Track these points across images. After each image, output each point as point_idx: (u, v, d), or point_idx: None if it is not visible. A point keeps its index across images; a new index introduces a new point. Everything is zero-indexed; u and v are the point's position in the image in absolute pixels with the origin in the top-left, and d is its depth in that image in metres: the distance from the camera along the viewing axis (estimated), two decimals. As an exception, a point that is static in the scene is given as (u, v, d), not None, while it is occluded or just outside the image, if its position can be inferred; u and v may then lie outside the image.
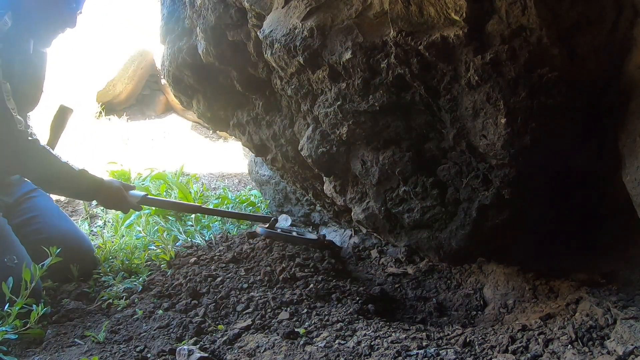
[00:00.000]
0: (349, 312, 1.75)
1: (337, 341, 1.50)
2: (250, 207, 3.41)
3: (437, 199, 1.77)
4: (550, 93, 1.31)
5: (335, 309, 1.79)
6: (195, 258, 2.29)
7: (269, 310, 1.76)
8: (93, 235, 2.95)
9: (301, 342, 1.50)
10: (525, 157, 1.44)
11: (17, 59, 2.00)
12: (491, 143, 1.44)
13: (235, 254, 2.28)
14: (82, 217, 3.30)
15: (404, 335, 1.50)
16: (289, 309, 1.76)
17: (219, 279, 2.01)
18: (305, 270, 2.10)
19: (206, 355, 1.41)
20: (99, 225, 3.16)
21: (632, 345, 1.26)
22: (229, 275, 2.05)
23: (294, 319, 1.70)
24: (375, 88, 1.60)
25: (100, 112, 6.37)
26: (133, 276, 2.16)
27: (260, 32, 1.74)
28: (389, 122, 1.68)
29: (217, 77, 2.22)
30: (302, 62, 1.65)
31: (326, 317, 1.70)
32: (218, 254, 2.33)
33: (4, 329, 1.57)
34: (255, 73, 2.06)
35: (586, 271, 1.78)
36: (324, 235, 2.76)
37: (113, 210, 3.03)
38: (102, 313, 1.86)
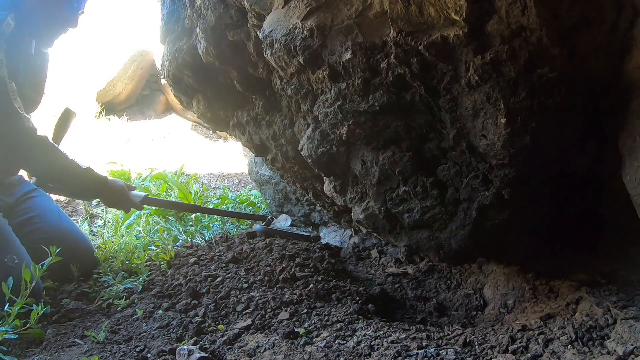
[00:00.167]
0: (349, 312, 1.75)
1: (337, 341, 1.49)
2: (250, 207, 3.41)
3: (437, 199, 1.77)
4: (550, 93, 1.31)
5: (335, 309, 1.79)
6: (195, 258, 2.29)
7: (269, 310, 1.76)
8: (93, 235, 2.95)
9: (301, 342, 1.50)
10: (525, 157, 1.44)
11: (20, 60, 2.01)
12: (491, 143, 1.44)
13: (235, 254, 2.28)
14: (82, 217, 3.30)
15: (404, 335, 1.50)
16: (289, 309, 1.76)
17: (219, 279, 2.01)
18: (305, 270, 2.10)
19: (206, 355, 1.41)
20: (99, 225, 3.16)
21: (632, 345, 1.26)
22: (229, 275, 2.05)
23: (294, 319, 1.70)
24: (375, 88, 1.60)
25: (100, 112, 6.37)
26: (133, 276, 2.16)
27: (260, 32, 1.74)
28: (389, 122, 1.69)
29: (217, 77, 2.22)
30: (302, 62, 1.65)
31: (326, 317, 1.70)
32: (218, 254, 2.33)
33: (4, 329, 1.57)
34: (255, 73, 2.06)
35: (586, 271, 1.78)
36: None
37: (113, 210, 3.04)
38: (102, 313, 1.86)
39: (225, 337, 1.56)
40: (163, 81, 6.69)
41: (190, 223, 2.94)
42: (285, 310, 1.75)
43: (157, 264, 2.30)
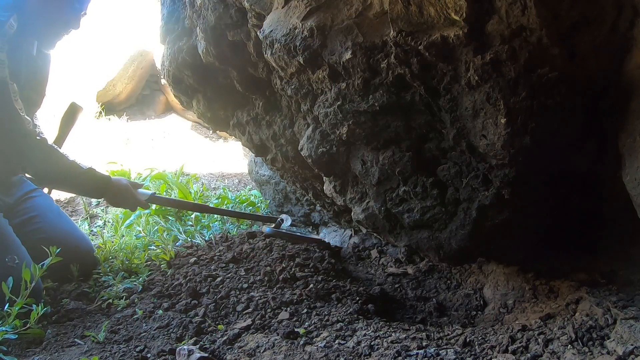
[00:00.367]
0: (349, 312, 1.75)
1: (337, 341, 1.50)
2: (250, 207, 3.41)
3: (437, 199, 1.77)
4: (550, 93, 1.31)
5: (335, 309, 1.79)
6: (195, 258, 2.29)
7: (269, 310, 1.76)
8: (93, 235, 2.95)
9: (301, 342, 1.50)
10: (525, 157, 1.44)
11: (22, 61, 2.01)
12: (491, 143, 1.44)
13: (235, 254, 2.28)
14: (82, 217, 3.30)
15: (404, 335, 1.50)
16: (289, 309, 1.76)
17: (219, 279, 2.01)
18: (305, 270, 2.10)
19: (206, 355, 1.41)
20: (99, 225, 3.16)
21: (632, 345, 1.26)
22: (229, 275, 2.05)
23: (294, 319, 1.70)
24: (375, 88, 1.60)
25: (100, 112, 6.37)
26: (133, 276, 2.16)
27: (260, 32, 1.74)
28: (389, 122, 1.69)
29: (217, 77, 2.22)
30: (302, 62, 1.65)
31: (326, 317, 1.70)
32: (218, 254, 2.33)
33: (4, 329, 1.57)
34: (255, 73, 2.06)
35: (586, 271, 1.78)
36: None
37: (113, 210, 3.04)
38: (102, 313, 1.86)
39: (225, 337, 1.56)
40: (163, 81, 6.69)
41: (190, 223, 2.94)
42: (285, 310, 1.75)
43: (157, 264, 2.30)
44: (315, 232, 3.00)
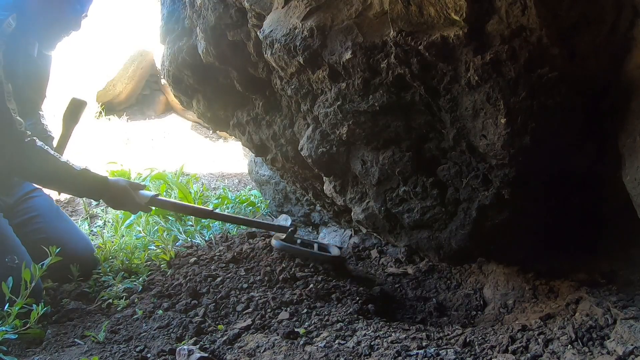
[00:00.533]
0: (349, 312, 1.75)
1: (337, 341, 1.50)
2: (250, 207, 3.41)
3: (437, 199, 1.77)
4: (550, 93, 1.31)
5: (335, 309, 1.79)
6: (195, 258, 2.29)
7: (269, 310, 1.76)
8: (93, 235, 2.95)
9: (301, 342, 1.50)
10: (525, 157, 1.44)
11: (21, 62, 2.00)
12: (491, 143, 1.44)
13: (235, 254, 2.28)
14: (82, 217, 3.30)
15: (404, 335, 1.50)
16: (289, 309, 1.76)
17: (219, 279, 2.01)
18: (305, 270, 2.10)
19: (206, 355, 1.41)
20: (99, 225, 3.16)
21: (632, 345, 1.26)
22: (229, 275, 2.05)
23: (294, 319, 1.70)
24: (375, 88, 1.60)
25: (100, 112, 6.37)
26: (133, 276, 2.16)
27: (260, 32, 1.74)
28: (389, 122, 1.69)
29: (217, 77, 2.22)
30: (302, 62, 1.65)
31: (326, 317, 1.70)
32: (218, 254, 2.33)
33: (4, 329, 1.57)
34: (255, 73, 2.06)
35: (586, 271, 1.78)
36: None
37: (113, 210, 3.03)
38: (102, 313, 1.86)
39: (225, 337, 1.56)
40: (163, 81, 6.69)
41: (190, 223, 2.93)
42: (285, 310, 1.75)
43: (157, 264, 2.30)
44: (316, 232, 3.00)
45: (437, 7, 1.29)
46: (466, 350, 1.40)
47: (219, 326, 1.67)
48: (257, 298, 1.83)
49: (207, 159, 5.69)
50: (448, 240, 1.82)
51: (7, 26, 1.86)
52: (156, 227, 2.82)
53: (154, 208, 2.28)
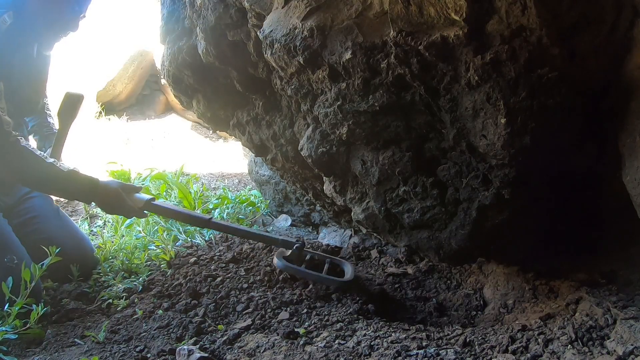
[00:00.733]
0: (349, 312, 1.75)
1: (337, 341, 1.50)
2: (250, 207, 3.41)
3: (437, 199, 1.77)
4: (550, 93, 1.31)
5: (335, 309, 1.79)
6: (195, 258, 2.29)
7: (269, 310, 1.76)
8: (93, 235, 2.95)
9: (301, 342, 1.50)
10: (525, 157, 1.44)
11: (18, 61, 2.00)
12: (491, 143, 1.44)
13: (235, 254, 2.28)
14: (82, 217, 3.30)
15: (404, 335, 1.50)
16: (289, 309, 1.76)
17: (219, 279, 2.01)
18: (305, 270, 2.10)
19: (206, 355, 1.41)
20: (99, 225, 3.15)
21: (632, 345, 1.26)
22: (229, 275, 2.05)
23: (294, 319, 1.70)
24: (375, 88, 1.60)
25: (100, 112, 6.37)
26: (133, 276, 2.16)
27: (260, 32, 1.74)
28: (389, 122, 1.69)
29: (217, 77, 2.22)
30: (302, 62, 1.65)
31: (326, 317, 1.70)
32: (218, 254, 2.33)
33: (4, 329, 1.57)
34: (255, 73, 2.06)
35: (586, 271, 1.78)
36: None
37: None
38: (102, 313, 1.86)
39: (225, 337, 1.56)
40: (163, 81, 6.69)
41: (190, 223, 2.93)
42: (285, 310, 1.75)
43: (157, 264, 2.30)
44: (316, 232, 3.00)
45: (437, 7, 1.29)
46: (466, 350, 1.40)
47: (219, 326, 1.67)
48: (257, 298, 1.83)
49: (207, 159, 5.69)
50: (448, 240, 1.82)
51: (2, 22, 1.85)
52: (156, 227, 2.81)
53: (148, 213, 2.13)
